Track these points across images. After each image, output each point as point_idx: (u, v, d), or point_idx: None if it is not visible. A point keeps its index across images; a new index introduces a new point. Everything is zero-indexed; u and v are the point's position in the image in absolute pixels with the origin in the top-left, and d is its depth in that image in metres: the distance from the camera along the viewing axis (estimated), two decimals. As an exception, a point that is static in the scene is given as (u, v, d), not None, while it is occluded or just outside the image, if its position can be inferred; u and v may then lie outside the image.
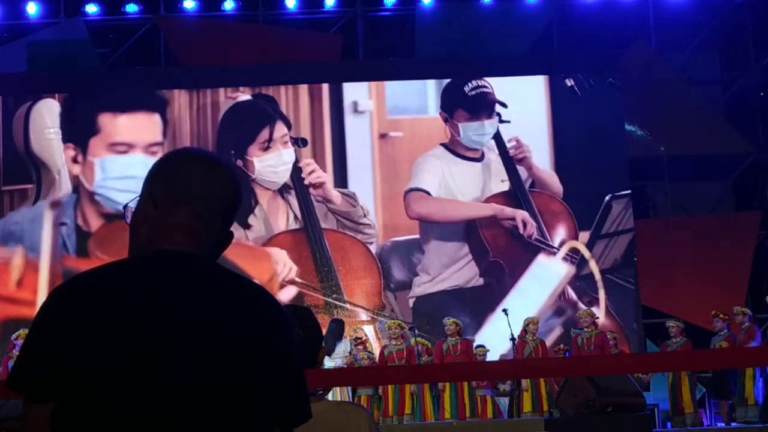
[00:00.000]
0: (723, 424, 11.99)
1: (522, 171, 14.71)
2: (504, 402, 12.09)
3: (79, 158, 14.32)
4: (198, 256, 1.69)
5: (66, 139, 14.41)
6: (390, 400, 11.60)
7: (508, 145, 14.71)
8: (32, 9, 15.47)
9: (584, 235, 14.54)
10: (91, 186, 14.24)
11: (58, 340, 1.56)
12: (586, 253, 14.47)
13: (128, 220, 1.77)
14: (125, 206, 1.79)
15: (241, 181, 1.85)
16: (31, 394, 1.57)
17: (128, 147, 14.31)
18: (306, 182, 14.47)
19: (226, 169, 1.78)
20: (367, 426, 2.55)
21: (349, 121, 14.78)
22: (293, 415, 1.65)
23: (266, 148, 14.50)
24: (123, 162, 14.20)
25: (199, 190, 1.72)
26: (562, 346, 12.78)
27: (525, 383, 11.42)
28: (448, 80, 14.91)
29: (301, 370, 1.67)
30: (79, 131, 14.38)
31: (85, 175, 14.26)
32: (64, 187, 14.33)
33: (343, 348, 12.07)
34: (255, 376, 1.59)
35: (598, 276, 14.44)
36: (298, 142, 14.57)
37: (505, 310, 12.51)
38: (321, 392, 2.71)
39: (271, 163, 14.48)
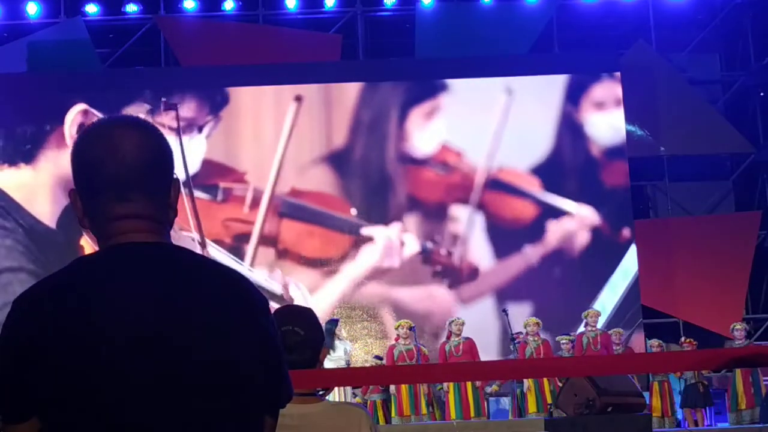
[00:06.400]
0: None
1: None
2: (499, 402, 12.07)
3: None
4: (155, 245, 1.56)
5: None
6: (405, 399, 11.62)
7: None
8: (32, 9, 15.48)
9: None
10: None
11: (25, 357, 1.47)
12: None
13: None
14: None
15: (153, 132, 1.60)
16: (7, 415, 1.49)
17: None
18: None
19: (126, 132, 1.57)
20: (367, 427, 2.55)
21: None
22: (282, 397, 1.62)
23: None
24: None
25: (113, 169, 1.54)
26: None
27: (528, 384, 11.42)
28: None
29: (282, 350, 1.62)
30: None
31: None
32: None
33: (343, 348, 12.03)
34: (241, 362, 1.52)
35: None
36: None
37: (505, 310, 12.49)
38: (321, 393, 2.70)
39: None
